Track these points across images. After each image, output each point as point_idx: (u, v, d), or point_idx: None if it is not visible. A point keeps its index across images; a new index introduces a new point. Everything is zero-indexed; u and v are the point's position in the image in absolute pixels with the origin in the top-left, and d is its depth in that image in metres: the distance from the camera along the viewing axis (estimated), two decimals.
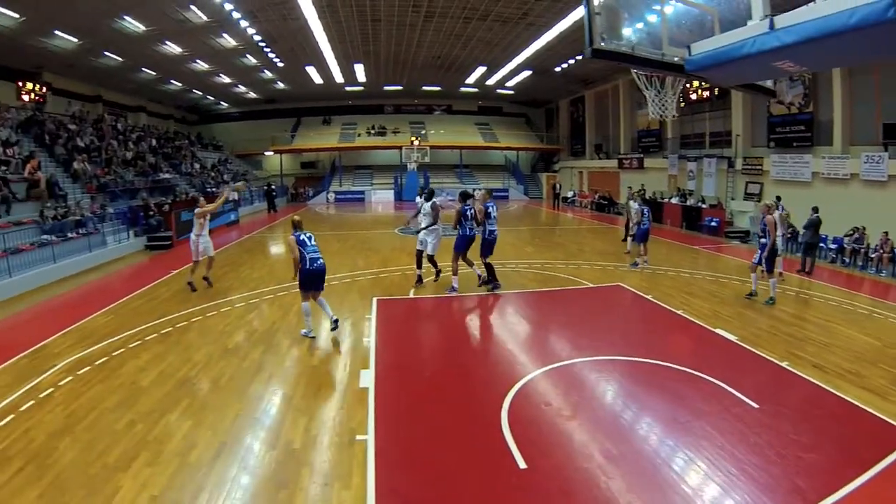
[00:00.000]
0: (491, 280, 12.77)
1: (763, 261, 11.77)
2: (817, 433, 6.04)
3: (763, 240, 11.87)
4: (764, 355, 8.52)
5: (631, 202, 17.81)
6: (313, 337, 9.60)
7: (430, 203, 13.00)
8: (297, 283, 9.49)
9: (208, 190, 31.34)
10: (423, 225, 13.15)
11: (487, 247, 12.70)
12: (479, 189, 15.23)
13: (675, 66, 6.81)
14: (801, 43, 5.13)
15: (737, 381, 7.37)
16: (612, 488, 5.11)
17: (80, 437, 6.15)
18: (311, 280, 9.40)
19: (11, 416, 6.71)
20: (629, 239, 17.71)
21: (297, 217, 9.89)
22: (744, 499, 4.89)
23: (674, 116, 9.14)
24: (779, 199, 14.79)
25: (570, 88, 41.24)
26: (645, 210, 15.91)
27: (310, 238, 9.45)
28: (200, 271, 13.40)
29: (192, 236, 13.02)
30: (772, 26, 5.42)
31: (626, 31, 6.83)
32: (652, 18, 7.06)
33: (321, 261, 9.44)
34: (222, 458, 5.68)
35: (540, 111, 51.44)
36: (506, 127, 49.60)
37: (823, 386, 7.34)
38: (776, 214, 13.66)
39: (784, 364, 8.14)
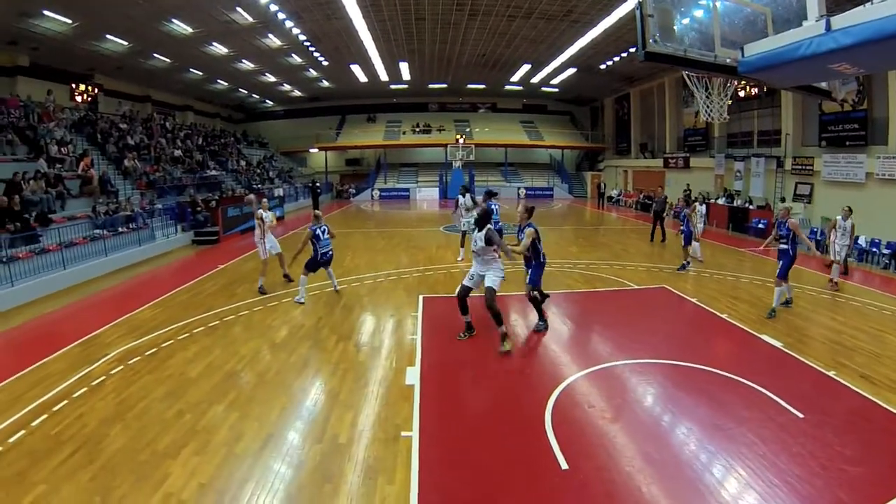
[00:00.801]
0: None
1: (786, 273, 10.92)
2: (863, 446, 5.80)
3: (783, 246, 11.04)
4: (810, 363, 8.24)
5: (697, 204, 17.47)
6: (303, 303, 11.53)
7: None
8: (306, 263, 11.72)
9: (255, 186, 31.82)
10: (463, 221, 14.11)
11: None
12: (521, 188, 15.80)
13: (728, 68, 6.61)
14: (859, 45, 4.92)
15: (781, 389, 7.16)
16: (652, 492, 5.03)
17: (131, 424, 6.30)
18: (318, 265, 11.75)
19: (65, 401, 6.91)
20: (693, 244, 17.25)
21: (318, 211, 11.88)
22: None
23: (726, 118, 8.92)
24: (850, 209, 14.01)
25: (615, 86, 40.77)
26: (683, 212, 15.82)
27: (324, 232, 11.66)
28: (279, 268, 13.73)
29: (256, 238, 13.18)
30: (828, 27, 5.21)
31: (678, 32, 6.68)
32: (701, 15, 6.90)
33: (330, 252, 11.93)
34: (268, 449, 5.74)
35: (585, 109, 50.93)
36: (550, 125, 49.27)
37: (871, 398, 7.03)
38: (845, 224, 13.82)
39: (831, 373, 7.85)
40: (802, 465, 5.42)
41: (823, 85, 7.78)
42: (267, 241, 12.93)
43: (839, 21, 5.13)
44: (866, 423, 6.38)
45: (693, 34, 6.76)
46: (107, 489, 5.03)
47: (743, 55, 6.35)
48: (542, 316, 9.98)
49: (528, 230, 9.36)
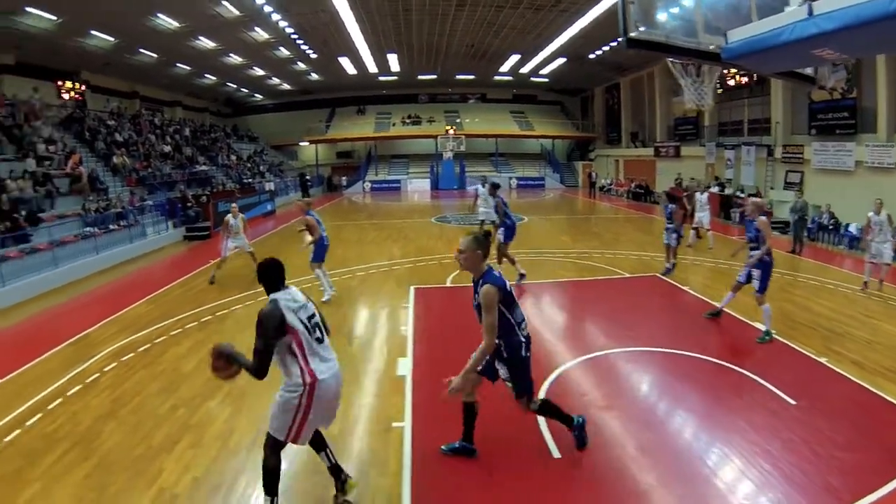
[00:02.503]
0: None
1: (755, 280, 8.98)
2: (854, 432, 5.85)
3: (754, 251, 8.97)
4: (802, 350, 8.30)
5: (697, 194, 17.49)
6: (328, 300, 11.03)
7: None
8: (315, 255, 11.07)
9: (245, 181, 31.80)
10: (481, 210, 14.63)
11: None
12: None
13: (712, 55, 6.62)
14: (841, 30, 4.90)
15: (773, 376, 7.20)
16: (645, 481, 5.08)
17: (126, 420, 6.34)
18: (325, 251, 11.25)
19: (59, 399, 6.95)
20: (693, 232, 17.19)
21: (309, 199, 10.88)
22: (776, 496, 4.79)
23: (710, 105, 8.93)
24: (881, 201, 12.39)
25: (605, 76, 40.76)
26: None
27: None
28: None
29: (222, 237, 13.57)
30: (810, 12, 5.20)
31: (661, 19, 6.68)
32: (688, 2, 6.92)
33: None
34: (261, 443, 5.73)
35: (575, 99, 50.91)
36: (541, 115, 49.22)
37: (862, 384, 7.08)
38: (880, 218, 12.18)
39: (822, 360, 7.91)
40: (794, 451, 5.47)
41: (809, 72, 7.81)
42: (229, 242, 13.29)
43: (821, 6, 5.13)
44: (858, 410, 6.43)
45: (676, 21, 6.78)
46: (102, 486, 5.06)
47: (726, 41, 6.37)
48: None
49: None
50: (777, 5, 6.03)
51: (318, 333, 4.51)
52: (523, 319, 5.14)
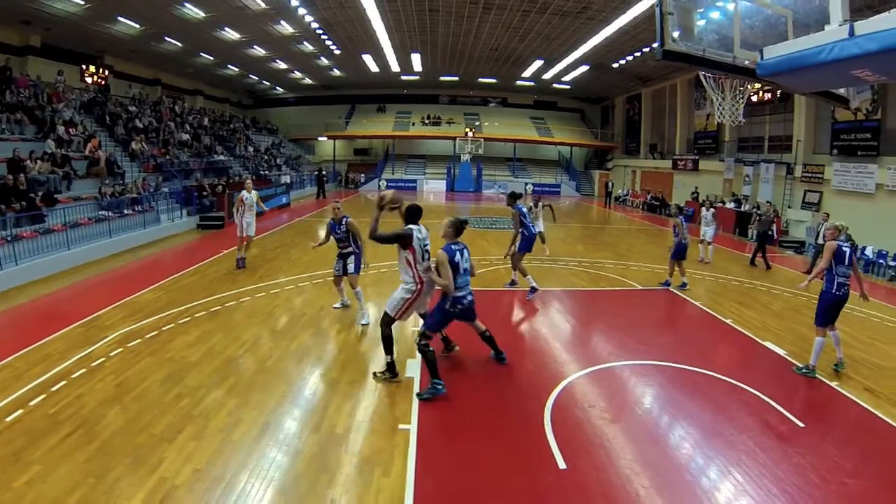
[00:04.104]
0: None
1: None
2: (863, 460, 5.73)
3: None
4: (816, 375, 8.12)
5: (703, 210, 17.35)
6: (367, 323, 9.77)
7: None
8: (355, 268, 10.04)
9: (262, 173, 31.89)
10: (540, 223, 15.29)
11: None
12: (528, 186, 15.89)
13: (747, 70, 6.50)
14: (883, 51, 4.82)
15: (783, 398, 7.09)
16: (648, 496, 5.00)
17: (129, 406, 6.28)
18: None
19: (64, 381, 6.90)
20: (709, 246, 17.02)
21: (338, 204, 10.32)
22: None
23: (741, 121, 8.79)
24: None
25: (627, 85, 40.59)
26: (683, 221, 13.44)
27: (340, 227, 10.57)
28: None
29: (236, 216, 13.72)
30: (852, 32, 5.11)
31: (697, 32, 6.59)
32: (720, 16, 6.81)
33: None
34: (265, 437, 5.71)
35: (595, 107, 50.73)
36: (560, 122, 49.05)
37: (873, 411, 6.95)
38: None
39: (834, 384, 7.77)
40: (802, 475, 5.36)
41: (842, 91, 7.67)
42: (245, 218, 13.43)
43: (863, 27, 5.03)
44: (868, 437, 6.32)
45: (712, 34, 6.66)
46: (102, 470, 5.01)
47: (762, 58, 6.25)
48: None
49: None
50: (813, 24, 5.93)
51: (427, 257, 7.11)
52: (465, 285, 7.31)
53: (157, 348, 8.19)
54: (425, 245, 7.14)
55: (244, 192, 13.66)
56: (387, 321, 7.22)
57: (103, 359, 7.70)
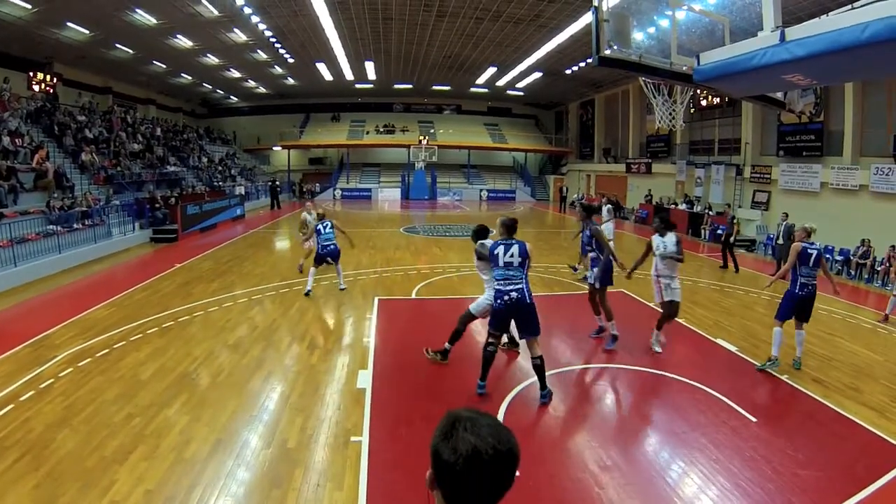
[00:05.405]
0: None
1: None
2: (815, 449, 5.98)
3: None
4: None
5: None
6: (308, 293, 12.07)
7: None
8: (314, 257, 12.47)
9: (216, 184, 31.51)
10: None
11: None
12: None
13: (684, 76, 6.72)
14: (812, 56, 5.01)
15: (735, 394, 7.32)
16: (604, 498, 5.10)
17: (79, 428, 6.19)
18: (322, 258, 12.37)
19: (11, 405, 6.76)
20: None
21: (320, 210, 13.03)
22: None
23: (681, 125, 9.06)
24: None
25: (581, 91, 41.21)
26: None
27: (325, 227, 12.28)
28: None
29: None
30: (783, 38, 5.31)
31: (635, 38, 6.76)
32: (663, 23, 7.01)
33: (332, 245, 12.34)
34: (218, 454, 5.69)
35: (549, 113, 51.37)
36: (515, 128, 49.55)
37: (823, 401, 7.26)
38: None
39: (784, 377, 8.06)
40: (755, 469, 5.56)
41: (779, 96, 7.96)
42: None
43: (794, 32, 5.24)
44: (817, 427, 6.60)
45: (650, 41, 6.87)
46: (51, 497, 4.93)
47: (699, 63, 6.47)
48: None
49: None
50: (751, 30, 6.15)
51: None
52: (502, 278, 7.03)
53: (107, 367, 8.07)
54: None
55: (304, 214, 14.98)
56: (467, 319, 8.08)
57: (52, 380, 7.56)
